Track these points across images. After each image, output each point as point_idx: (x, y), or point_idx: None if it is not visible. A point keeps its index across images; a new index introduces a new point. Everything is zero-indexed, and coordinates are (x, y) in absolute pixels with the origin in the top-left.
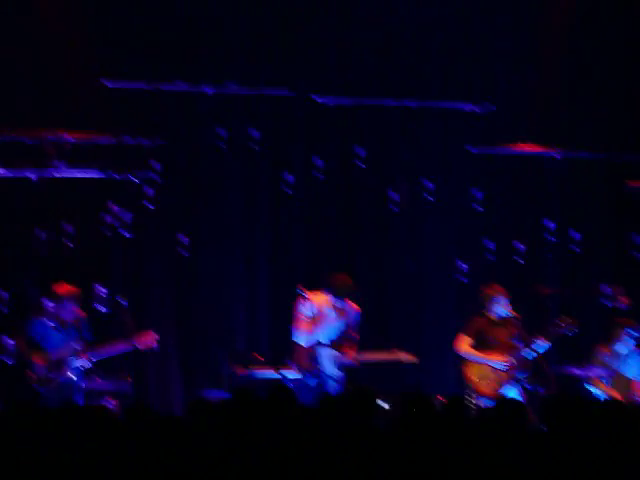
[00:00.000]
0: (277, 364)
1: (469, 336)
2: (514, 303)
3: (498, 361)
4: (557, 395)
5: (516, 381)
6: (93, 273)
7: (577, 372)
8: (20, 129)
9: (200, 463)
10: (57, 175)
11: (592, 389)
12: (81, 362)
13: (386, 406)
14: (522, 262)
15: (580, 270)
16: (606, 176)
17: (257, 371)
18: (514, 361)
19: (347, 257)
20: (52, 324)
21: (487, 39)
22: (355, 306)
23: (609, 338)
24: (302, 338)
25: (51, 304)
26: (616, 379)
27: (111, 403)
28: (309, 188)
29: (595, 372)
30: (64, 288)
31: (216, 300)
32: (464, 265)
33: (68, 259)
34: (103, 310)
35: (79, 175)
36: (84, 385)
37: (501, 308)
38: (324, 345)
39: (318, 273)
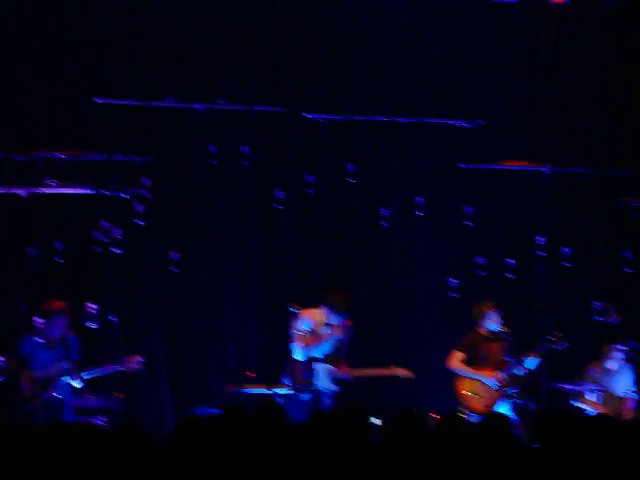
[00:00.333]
0: (269, 381)
1: (461, 351)
2: (505, 319)
3: (489, 377)
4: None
5: (507, 397)
6: (83, 290)
7: (568, 388)
8: (10, 145)
9: None
10: (47, 192)
11: (582, 405)
12: (74, 381)
13: (378, 422)
14: (513, 278)
15: (571, 286)
16: (596, 191)
17: (248, 388)
18: (505, 377)
19: (338, 273)
20: (41, 342)
21: (476, 56)
22: (348, 322)
23: (599, 354)
24: (297, 353)
25: (40, 321)
26: (606, 395)
27: (102, 420)
28: (300, 204)
29: (585, 388)
30: (54, 305)
31: (207, 316)
32: (455, 281)
33: (58, 276)
34: (93, 327)
35: (69, 192)
36: (74, 403)
37: (493, 324)
38: (319, 360)
39: (309, 289)
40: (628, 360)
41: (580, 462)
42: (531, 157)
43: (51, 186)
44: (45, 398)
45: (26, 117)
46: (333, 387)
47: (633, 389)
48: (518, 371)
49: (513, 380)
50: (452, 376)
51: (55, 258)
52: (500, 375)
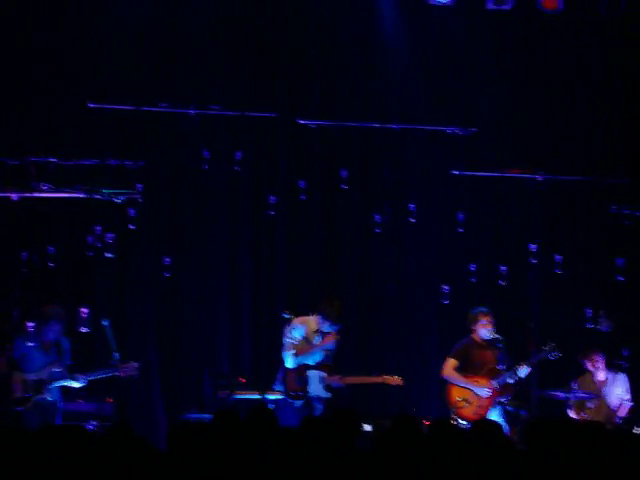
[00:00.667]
0: (260, 386)
1: (454, 359)
2: (497, 326)
3: (481, 386)
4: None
5: (498, 404)
6: (75, 294)
7: (559, 395)
8: (3, 150)
9: None
10: (40, 196)
11: (573, 413)
12: (75, 381)
13: (369, 428)
14: (505, 285)
15: (563, 293)
16: (589, 199)
17: (240, 393)
18: (497, 385)
19: (330, 280)
20: (33, 344)
21: (470, 63)
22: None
23: (591, 362)
24: (289, 361)
25: (35, 324)
26: (597, 403)
27: (93, 425)
28: (292, 210)
29: (577, 396)
30: (51, 308)
31: (199, 322)
32: (447, 288)
33: (50, 280)
34: (85, 331)
35: (62, 196)
36: (65, 407)
37: (486, 331)
38: (311, 367)
39: (301, 296)
40: (619, 369)
41: (571, 469)
42: (524, 164)
43: (44, 190)
44: (38, 401)
45: (19, 121)
46: (325, 394)
47: (627, 397)
48: (510, 378)
49: (505, 388)
50: (443, 383)
51: (47, 262)
52: (492, 383)
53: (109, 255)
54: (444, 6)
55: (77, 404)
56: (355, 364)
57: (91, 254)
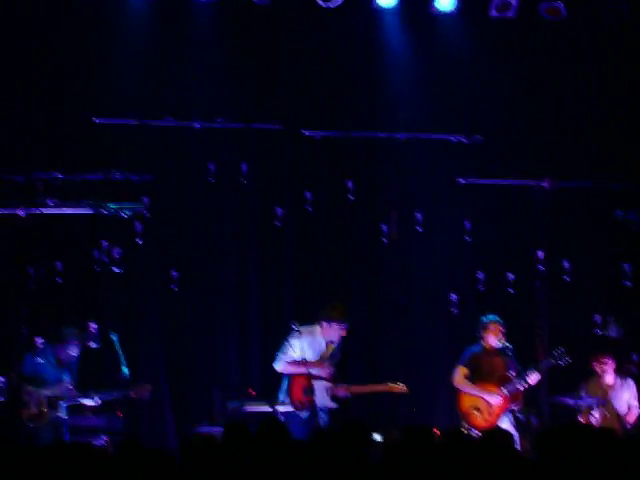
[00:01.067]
0: (270, 398)
1: (465, 367)
2: (506, 333)
3: (491, 394)
4: (550, 425)
5: (509, 412)
6: (83, 309)
7: (569, 402)
8: (9, 165)
9: None
10: (46, 212)
11: (584, 419)
12: (88, 400)
13: (379, 438)
14: (513, 292)
15: (571, 299)
16: (595, 205)
17: (250, 405)
18: (507, 392)
19: (338, 290)
20: (43, 361)
21: (475, 71)
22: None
23: (599, 364)
24: (279, 364)
25: (47, 342)
26: (607, 409)
27: (103, 440)
28: (299, 222)
29: (586, 402)
30: (70, 330)
31: (207, 334)
32: (454, 296)
33: (58, 295)
34: (94, 346)
35: (69, 211)
36: (75, 422)
37: (495, 339)
38: (317, 378)
39: (309, 307)
40: (629, 373)
41: (581, 476)
42: (530, 172)
43: (50, 206)
44: (51, 417)
45: (25, 137)
46: (331, 404)
47: (634, 403)
48: (520, 385)
49: (515, 395)
50: (454, 392)
51: (55, 278)
52: (503, 390)
53: (116, 270)
54: (447, 14)
55: (87, 418)
56: (364, 373)
57: (98, 269)
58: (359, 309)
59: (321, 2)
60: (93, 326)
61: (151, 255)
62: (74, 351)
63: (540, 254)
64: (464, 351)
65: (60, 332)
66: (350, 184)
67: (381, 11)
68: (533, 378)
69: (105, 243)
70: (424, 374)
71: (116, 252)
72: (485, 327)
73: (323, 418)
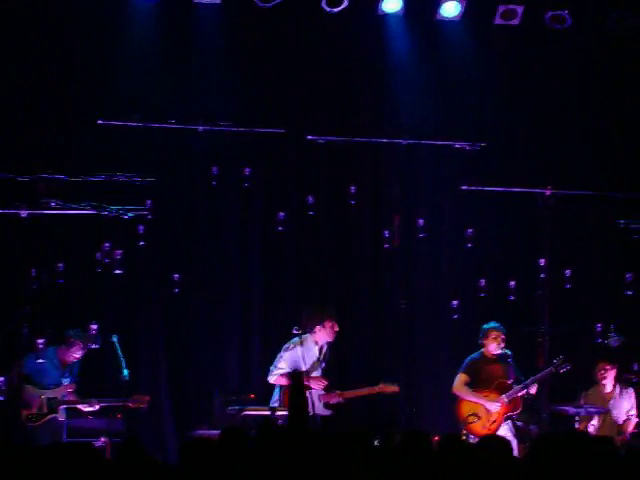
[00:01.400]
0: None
1: (465, 374)
2: (507, 341)
3: (491, 401)
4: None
5: (508, 419)
6: (84, 310)
7: (569, 410)
8: (12, 166)
9: None
10: (49, 213)
11: (582, 428)
12: (87, 404)
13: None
14: (514, 300)
15: (572, 308)
16: (597, 213)
17: (250, 409)
18: (507, 400)
19: (340, 295)
20: (44, 361)
21: (477, 77)
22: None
23: (599, 371)
24: (273, 377)
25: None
26: (606, 418)
27: (102, 441)
28: (301, 226)
29: (586, 411)
30: (75, 333)
31: (209, 338)
32: (456, 303)
33: (60, 297)
34: (95, 347)
35: (71, 212)
36: (74, 424)
37: (496, 346)
38: (308, 388)
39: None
40: (630, 382)
41: None
42: (532, 179)
43: (53, 207)
44: (50, 419)
45: (29, 138)
46: (324, 412)
47: (633, 412)
48: (520, 393)
49: (515, 403)
50: (454, 398)
51: (56, 279)
52: (502, 398)
53: (118, 271)
54: (452, 21)
55: (87, 420)
56: (365, 379)
57: (100, 270)
58: (361, 314)
59: (327, 8)
60: (93, 327)
61: (153, 258)
62: (78, 353)
63: (542, 262)
64: (465, 358)
65: (64, 334)
66: (353, 189)
67: (386, 17)
68: (534, 388)
69: (107, 245)
70: (425, 380)
71: (118, 254)
72: (486, 334)
73: (318, 424)
